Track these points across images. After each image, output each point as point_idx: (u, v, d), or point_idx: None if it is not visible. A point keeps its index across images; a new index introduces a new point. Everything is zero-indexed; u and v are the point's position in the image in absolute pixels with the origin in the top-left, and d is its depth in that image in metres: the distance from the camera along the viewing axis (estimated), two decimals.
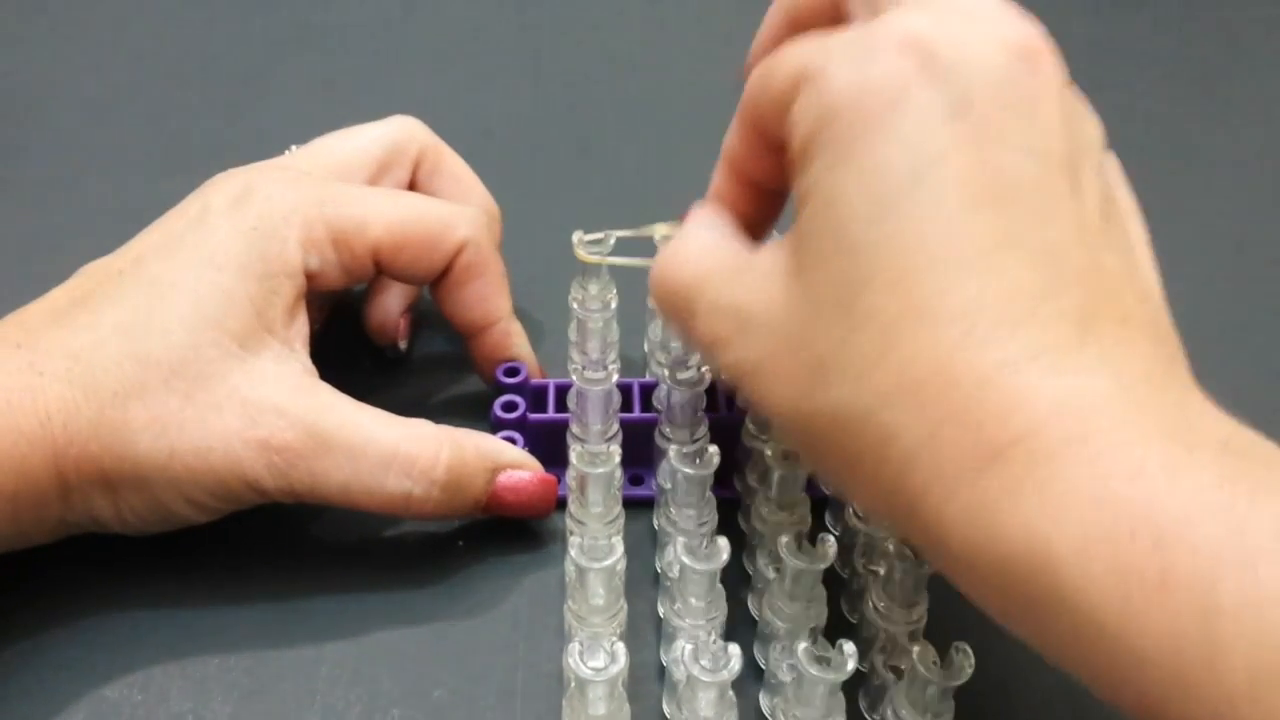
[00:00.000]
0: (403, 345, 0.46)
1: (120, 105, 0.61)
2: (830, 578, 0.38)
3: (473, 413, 0.43)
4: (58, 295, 0.37)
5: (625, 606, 0.34)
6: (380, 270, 0.40)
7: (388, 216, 0.39)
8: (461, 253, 0.40)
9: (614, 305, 0.43)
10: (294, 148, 0.44)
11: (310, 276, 0.38)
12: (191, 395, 0.35)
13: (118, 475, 0.34)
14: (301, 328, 0.38)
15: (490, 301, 0.42)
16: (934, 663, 0.30)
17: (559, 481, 0.39)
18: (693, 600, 0.33)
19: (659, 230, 0.43)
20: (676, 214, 0.48)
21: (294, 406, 0.35)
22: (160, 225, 0.39)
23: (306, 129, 0.45)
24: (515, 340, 0.42)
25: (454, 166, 0.45)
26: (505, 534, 0.39)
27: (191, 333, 0.35)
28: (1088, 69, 0.69)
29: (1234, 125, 0.63)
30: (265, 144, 0.45)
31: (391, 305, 0.45)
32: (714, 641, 0.30)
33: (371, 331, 0.45)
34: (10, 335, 0.35)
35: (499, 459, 0.38)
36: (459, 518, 0.39)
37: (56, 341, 0.34)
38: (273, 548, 0.39)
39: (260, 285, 0.36)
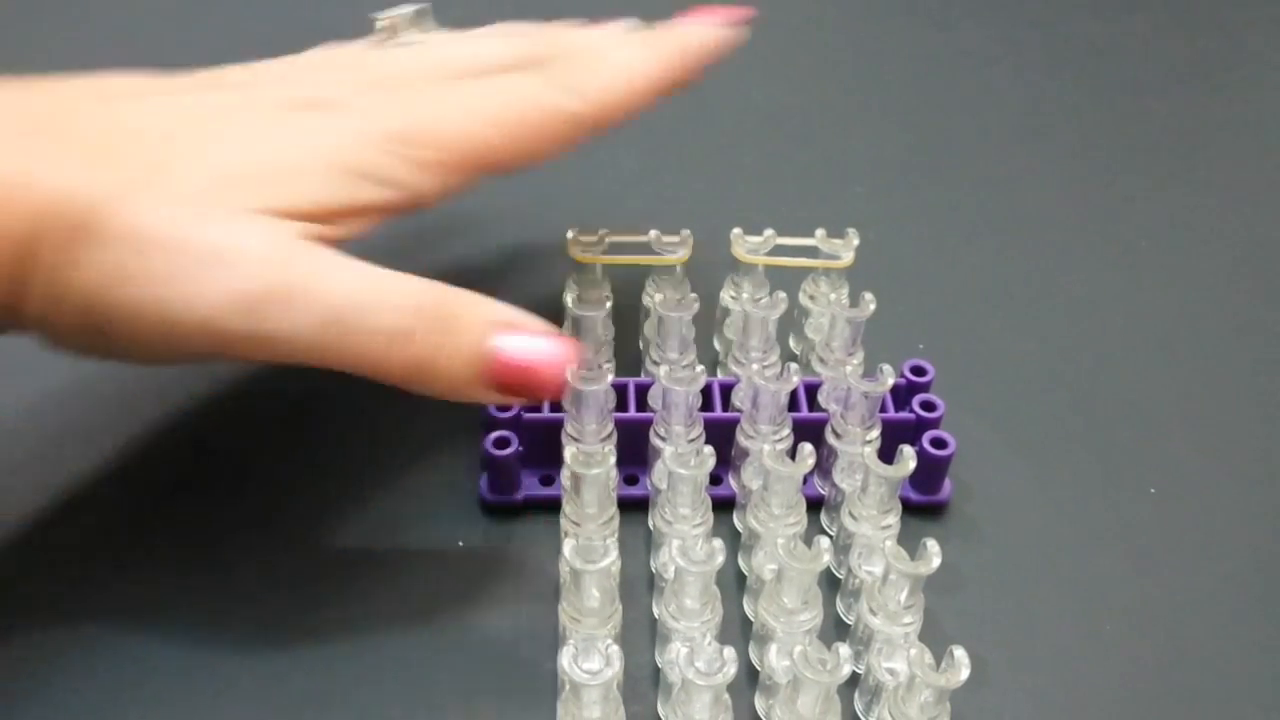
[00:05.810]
0: None
1: None
2: (826, 579, 0.39)
3: (468, 411, 0.43)
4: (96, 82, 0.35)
5: (620, 608, 0.34)
6: None
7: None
8: None
9: (609, 304, 0.43)
10: None
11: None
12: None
13: (85, 234, 0.30)
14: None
15: None
16: (929, 665, 0.30)
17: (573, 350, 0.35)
18: (688, 602, 0.33)
19: (653, 232, 0.43)
20: (672, 214, 0.48)
21: (269, 249, 0.32)
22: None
23: None
24: None
25: None
26: (505, 533, 0.39)
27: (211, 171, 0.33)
28: (1088, 69, 0.68)
29: (1235, 125, 0.63)
30: None
31: None
32: (709, 644, 0.30)
33: None
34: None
35: (496, 314, 0.34)
36: (451, 393, 0.34)
37: (88, 120, 0.33)
38: (272, 548, 0.39)
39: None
